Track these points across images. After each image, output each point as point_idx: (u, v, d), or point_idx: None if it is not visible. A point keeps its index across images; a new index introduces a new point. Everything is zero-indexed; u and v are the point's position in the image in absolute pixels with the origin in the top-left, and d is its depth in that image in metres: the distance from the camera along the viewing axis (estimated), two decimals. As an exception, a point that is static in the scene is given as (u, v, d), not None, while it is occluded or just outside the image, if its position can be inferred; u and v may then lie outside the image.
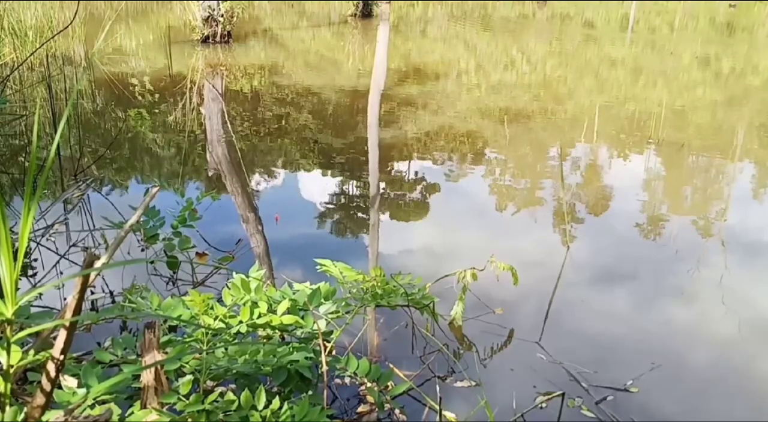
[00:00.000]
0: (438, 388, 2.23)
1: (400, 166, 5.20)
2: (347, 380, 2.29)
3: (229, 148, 5.34)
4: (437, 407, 2.11)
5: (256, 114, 6.66)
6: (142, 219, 2.98)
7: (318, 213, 4.16)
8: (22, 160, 4.76)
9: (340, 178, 4.81)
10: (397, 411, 2.15)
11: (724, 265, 3.50)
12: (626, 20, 18.28)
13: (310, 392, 1.90)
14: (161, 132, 5.80)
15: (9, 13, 7.59)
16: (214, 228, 3.63)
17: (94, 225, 3.60)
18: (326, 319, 2.15)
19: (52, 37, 7.02)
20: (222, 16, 10.18)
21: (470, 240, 3.75)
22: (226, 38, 10.43)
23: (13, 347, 1.12)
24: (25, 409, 1.21)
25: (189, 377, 1.75)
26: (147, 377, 1.64)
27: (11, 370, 1.13)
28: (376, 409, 2.13)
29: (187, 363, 1.83)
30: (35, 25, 7.60)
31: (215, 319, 1.96)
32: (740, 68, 10.70)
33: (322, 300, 2.16)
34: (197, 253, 3.29)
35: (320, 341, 1.96)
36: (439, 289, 2.69)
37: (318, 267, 2.41)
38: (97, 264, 1.18)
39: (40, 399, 1.16)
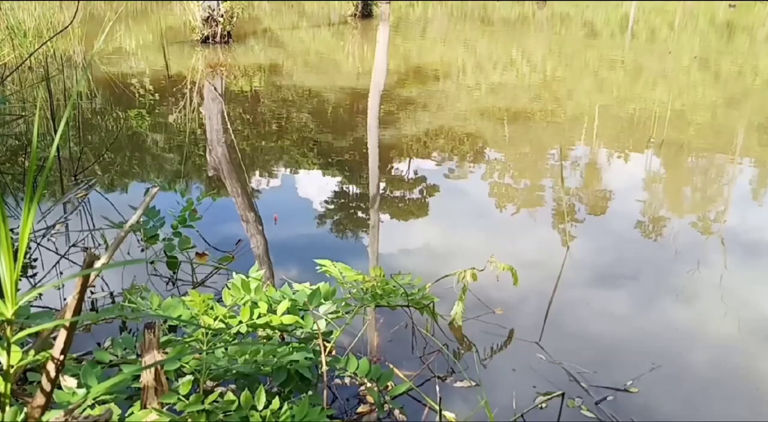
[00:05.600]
0: (438, 388, 2.23)
1: (400, 166, 5.20)
2: (347, 380, 2.29)
3: (229, 148, 5.34)
4: (437, 407, 2.11)
5: (256, 114, 6.66)
6: (142, 219, 2.98)
7: (318, 213, 4.16)
8: (22, 160, 4.76)
9: (339, 179, 4.81)
10: (397, 411, 2.15)
11: (724, 265, 3.50)
12: (626, 20, 18.28)
13: (310, 392, 1.90)
14: (161, 132, 5.80)
15: (8, 14, 7.59)
16: (214, 228, 3.63)
17: (94, 226, 3.60)
18: (326, 319, 2.15)
19: (52, 38, 7.02)
20: (222, 16, 10.19)
21: (470, 241, 3.75)
22: (226, 38, 10.44)
23: (13, 347, 1.12)
24: (25, 409, 1.21)
25: (189, 377, 1.75)
26: (147, 377, 1.64)
27: (11, 370, 1.13)
28: (376, 409, 2.13)
29: (187, 363, 1.83)
30: (35, 25, 7.60)
31: (215, 319, 1.96)
32: (740, 68, 10.70)
33: (322, 301, 2.16)
34: (197, 253, 3.29)
35: (320, 341, 1.96)
36: (439, 289, 2.69)
37: (318, 267, 2.41)
38: (97, 264, 1.19)
39: (40, 399, 1.16)
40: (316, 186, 4.66)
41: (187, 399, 1.66)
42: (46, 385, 1.16)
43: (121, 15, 13.00)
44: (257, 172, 4.95)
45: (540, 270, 3.34)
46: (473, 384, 2.36)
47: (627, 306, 3.04)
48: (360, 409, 2.19)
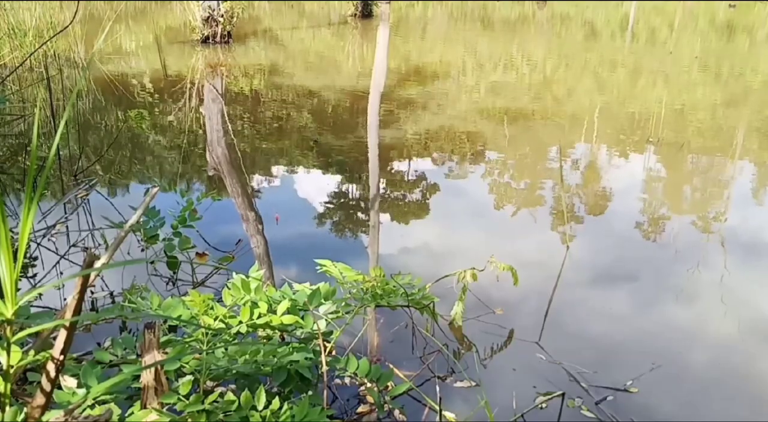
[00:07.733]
0: (438, 388, 2.23)
1: (400, 166, 5.20)
2: (347, 380, 2.29)
3: (229, 148, 5.34)
4: (437, 407, 2.11)
5: (256, 114, 6.66)
6: (142, 219, 2.98)
7: (318, 213, 4.16)
8: (23, 160, 4.76)
9: (340, 179, 4.81)
10: (397, 411, 2.15)
11: (724, 265, 3.50)
12: (626, 21, 18.29)
13: (310, 392, 1.90)
14: (161, 132, 5.80)
15: (8, 14, 7.59)
16: (214, 228, 3.63)
17: (94, 226, 3.60)
18: (326, 319, 2.15)
19: (52, 38, 7.02)
20: (222, 16, 10.19)
21: (470, 241, 3.75)
22: (226, 38, 10.44)
23: (13, 347, 1.12)
24: (25, 409, 1.21)
25: (189, 377, 1.75)
26: (147, 377, 1.64)
27: (11, 370, 1.13)
28: (376, 409, 2.13)
29: (187, 363, 1.83)
30: (35, 25, 7.60)
31: (215, 319, 1.96)
32: (740, 69, 10.70)
33: (322, 301, 2.16)
34: (197, 253, 3.29)
35: (320, 341, 1.96)
36: (439, 289, 2.69)
37: (318, 267, 2.41)
38: (97, 264, 1.19)
39: (40, 400, 1.16)
40: (316, 186, 4.66)
41: (187, 399, 1.66)
42: (46, 385, 1.16)
43: (121, 15, 13.00)
44: (257, 172, 4.95)
45: (540, 270, 3.34)
46: (473, 384, 2.36)
47: (627, 306, 3.04)
48: (360, 409, 2.19)
